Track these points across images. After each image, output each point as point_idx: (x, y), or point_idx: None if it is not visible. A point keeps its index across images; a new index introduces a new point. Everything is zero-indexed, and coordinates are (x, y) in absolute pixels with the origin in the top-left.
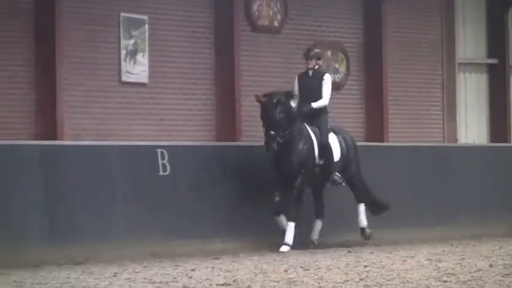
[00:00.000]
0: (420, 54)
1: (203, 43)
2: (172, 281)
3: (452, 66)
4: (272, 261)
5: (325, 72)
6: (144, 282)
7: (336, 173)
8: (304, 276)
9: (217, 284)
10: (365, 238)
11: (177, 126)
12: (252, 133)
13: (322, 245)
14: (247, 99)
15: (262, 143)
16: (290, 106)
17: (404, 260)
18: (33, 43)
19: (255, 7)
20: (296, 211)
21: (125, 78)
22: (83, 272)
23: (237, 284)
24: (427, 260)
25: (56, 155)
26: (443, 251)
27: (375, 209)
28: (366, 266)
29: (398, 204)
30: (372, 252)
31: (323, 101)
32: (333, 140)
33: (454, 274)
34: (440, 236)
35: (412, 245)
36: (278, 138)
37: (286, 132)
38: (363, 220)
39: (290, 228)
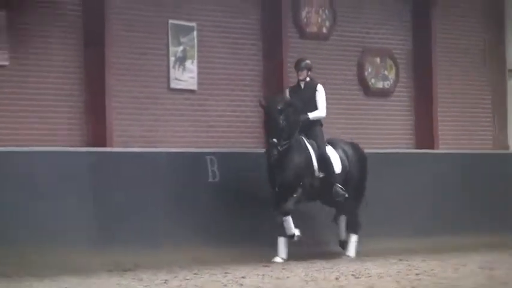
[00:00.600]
0: (469, 60)
1: (251, 50)
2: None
3: (503, 72)
4: (322, 269)
5: (318, 83)
6: None
7: (338, 185)
8: (355, 284)
9: None
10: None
11: (225, 132)
12: None
13: (371, 253)
14: None
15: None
16: (292, 116)
17: (457, 268)
18: (82, 49)
19: (303, 14)
20: (291, 205)
21: (174, 85)
22: (133, 278)
23: None
24: (480, 268)
25: (105, 161)
26: (496, 258)
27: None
28: (417, 274)
29: (451, 212)
30: (424, 260)
31: (320, 112)
32: (332, 152)
33: (506, 283)
34: (493, 243)
35: (464, 252)
36: (279, 147)
37: (285, 142)
38: (353, 252)
39: (287, 221)
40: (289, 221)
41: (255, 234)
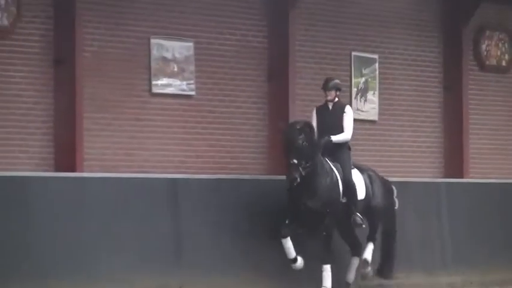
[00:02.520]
0: None
1: (432, 81)
2: None
3: None
4: None
5: (346, 104)
6: None
7: (358, 214)
8: None
9: None
10: (363, 276)
11: (405, 162)
12: (481, 169)
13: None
14: (475, 136)
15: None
16: (313, 136)
17: None
18: (265, 81)
19: (483, 47)
20: (329, 253)
21: (356, 115)
22: None
23: None
24: None
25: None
26: None
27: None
28: None
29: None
30: None
31: (345, 135)
32: (357, 177)
33: None
34: None
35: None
36: (300, 169)
37: (308, 164)
38: (369, 255)
39: (327, 271)
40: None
41: (429, 260)
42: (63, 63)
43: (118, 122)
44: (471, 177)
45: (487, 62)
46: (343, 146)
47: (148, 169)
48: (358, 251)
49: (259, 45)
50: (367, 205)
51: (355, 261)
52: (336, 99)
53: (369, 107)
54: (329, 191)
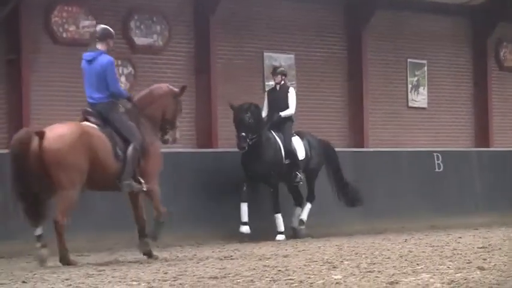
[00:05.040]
0: None
1: (465, 79)
2: (445, 245)
3: None
4: None
5: (290, 86)
6: (426, 245)
7: (298, 172)
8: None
9: (478, 247)
10: (299, 235)
11: (448, 137)
12: (502, 141)
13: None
14: (497, 116)
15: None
16: (259, 115)
17: None
18: (345, 81)
19: (502, 53)
20: (277, 204)
21: (411, 104)
22: (383, 239)
23: (491, 247)
24: None
25: (363, 158)
26: None
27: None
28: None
29: None
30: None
31: (290, 110)
32: (298, 142)
33: None
34: None
35: None
36: (248, 140)
37: (254, 136)
38: (305, 216)
39: (278, 218)
40: (244, 209)
41: (466, 206)
42: (202, 73)
43: None
44: (495, 147)
45: (505, 64)
46: (288, 119)
47: None
48: (299, 201)
49: (341, 55)
50: (306, 166)
51: (298, 211)
52: (282, 82)
53: (420, 98)
54: (272, 156)
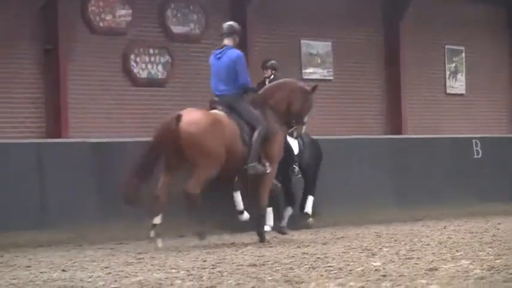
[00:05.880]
0: None
1: (503, 64)
2: (485, 232)
3: None
4: None
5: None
6: (465, 232)
7: (295, 165)
8: None
9: None
10: (307, 226)
11: (486, 123)
12: None
13: None
14: None
15: None
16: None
17: None
18: (382, 68)
19: None
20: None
21: (449, 90)
22: (422, 226)
23: None
24: None
25: (400, 145)
26: None
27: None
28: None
29: None
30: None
31: None
32: (291, 138)
33: None
34: None
35: None
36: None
37: None
38: (309, 209)
39: (268, 213)
40: (238, 197)
41: (505, 194)
42: None
43: None
44: None
45: None
46: None
47: None
48: (291, 201)
49: (379, 41)
50: (301, 161)
51: (289, 210)
52: (272, 76)
53: (458, 84)
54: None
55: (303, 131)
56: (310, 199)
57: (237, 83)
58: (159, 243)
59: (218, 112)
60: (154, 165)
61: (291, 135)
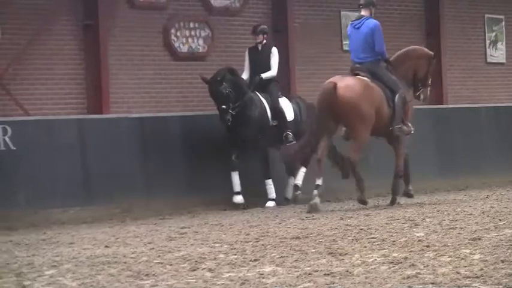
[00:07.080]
0: None
1: None
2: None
3: None
4: None
5: (273, 46)
6: (508, 201)
7: (289, 132)
8: None
9: None
10: (294, 199)
11: None
12: None
13: None
14: None
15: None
16: (236, 80)
17: None
18: (423, 38)
19: None
20: (268, 169)
21: (489, 59)
22: (464, 195)
23: None
24: None
25: (442, 115)
26: None
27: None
28: None
29: None
30: None
31: (272, 72)
32: (286, 103)
33: None
34: None
35: None
36: (230, 111)
37: (236, 104)
38: (300, 181)
39: (269, 184)
40: (236, 178)
41: None
42: (280, 32)
43: (319, 72)
44: None
45: None
46: (272, 79)
47: None
48: (292, 170)
49: (418, 12)
50: (296, 129)
51: (291, 180)
52: (264, 41)
53: (499, 53)
54: (258, 120)
55: (428, 93)
56: (303, 170)
57: (374, 50)
58: (318, 202)
59: (364, 78)
60: (321, 134)
61: (418, 98)
